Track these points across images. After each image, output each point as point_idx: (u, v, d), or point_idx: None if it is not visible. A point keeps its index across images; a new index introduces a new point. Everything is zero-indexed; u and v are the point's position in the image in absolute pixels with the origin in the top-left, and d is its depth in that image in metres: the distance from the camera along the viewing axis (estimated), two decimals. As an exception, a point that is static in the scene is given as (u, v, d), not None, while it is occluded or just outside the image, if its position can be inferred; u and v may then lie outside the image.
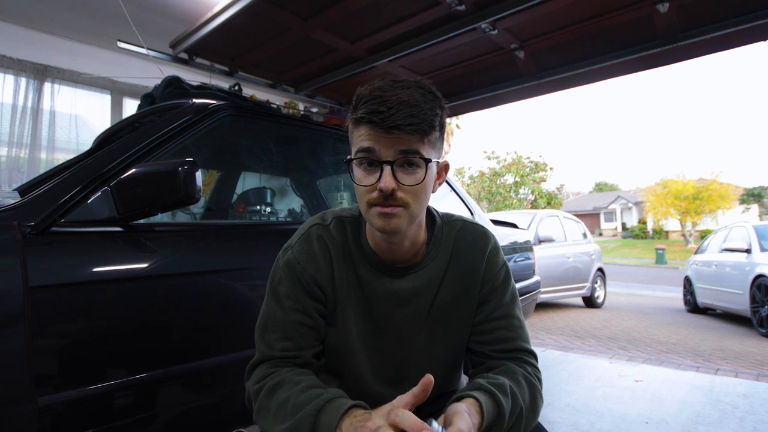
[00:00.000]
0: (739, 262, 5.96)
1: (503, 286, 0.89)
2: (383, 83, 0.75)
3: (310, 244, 0.85)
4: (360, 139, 0.75)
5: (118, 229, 1.13)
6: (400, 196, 0.74)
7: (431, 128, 0.74)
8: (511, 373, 0.80)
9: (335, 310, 0.85)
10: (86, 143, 3.23)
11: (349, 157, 0.78)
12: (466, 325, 0.88)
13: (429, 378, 0.66)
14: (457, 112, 3.49)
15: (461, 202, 2.65)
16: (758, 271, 5.35)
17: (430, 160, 0.75)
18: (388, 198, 0.73)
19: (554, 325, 5.67)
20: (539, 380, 0.83)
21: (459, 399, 0.71)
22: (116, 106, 3.55)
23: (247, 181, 2.28)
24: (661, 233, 33.05)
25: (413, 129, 0.71)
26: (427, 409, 0.90)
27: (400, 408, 0.64)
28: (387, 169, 0.72)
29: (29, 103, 3.11)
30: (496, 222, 3.13)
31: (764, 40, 2.23)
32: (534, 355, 0.87)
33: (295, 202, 2.36)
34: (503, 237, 2.90)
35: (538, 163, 21.52)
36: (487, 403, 0.70)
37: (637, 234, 33.86)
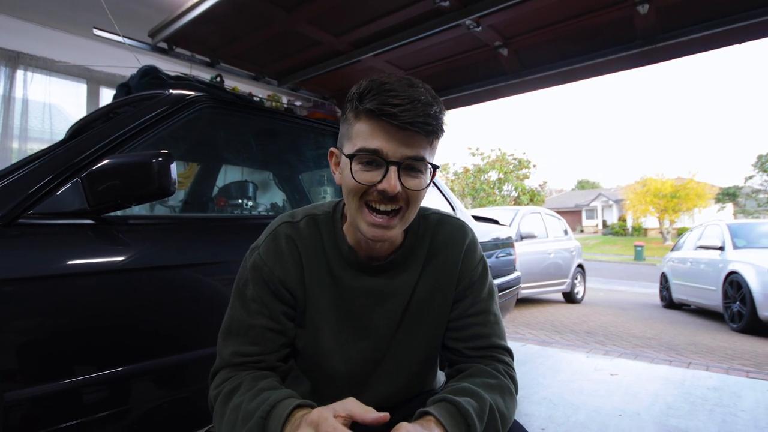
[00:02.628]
0: (712, 259, 6.13)
1: (480, 282, 0.87)
2: (389, 77, 0.71)
3: (277, 244, 0.81)
4: (364, 134, 0.70)
5: (89, 221, 1.10)
6: (399, 199, 0.71)
7: (441, 132, 0.73)
8: (481, 375, 0.79)
9: (305, 311, 0.82)
10: (60, 133, 3.13)
11: (348, 152, 0.72)
12: (442, 320, 0.87)
13: (385, 416, 0.61)
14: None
15: (443, 197, 2.67)
16: (730, 268, 5.51)
17: (437, 167, 0.73)
18: (387, 199, 0.70)
19: (534, 320, 5.75)
20: (512, 378, 0.82)
21: (417, 418, 0.68)
22: (92, 96, 3.46)
23: (229, 175, 2.25)
24: (640, 230, 33.80)
25: (430, 129, 0.69)
26: (400, 411, 0.90)
27: (331, 418, 0.60)
28: (393, 170, 0.69)
29: (0, 91, 3.00)
30: (478, 218, 3.15)
31: (740, 42, 2.29)
32: (509, 352, 0.86)
33: (278, 196, 2.34)
34: (485, 233, 2.92)
35: (521, 160, 21.76)
36: (448, 417, 0.66)
37: (617, 231, 34.56)
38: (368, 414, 0.61)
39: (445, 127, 0.74)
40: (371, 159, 0.70)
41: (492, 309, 0.87)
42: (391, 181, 0.69)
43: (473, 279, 0.87)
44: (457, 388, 0.73)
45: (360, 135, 0.71)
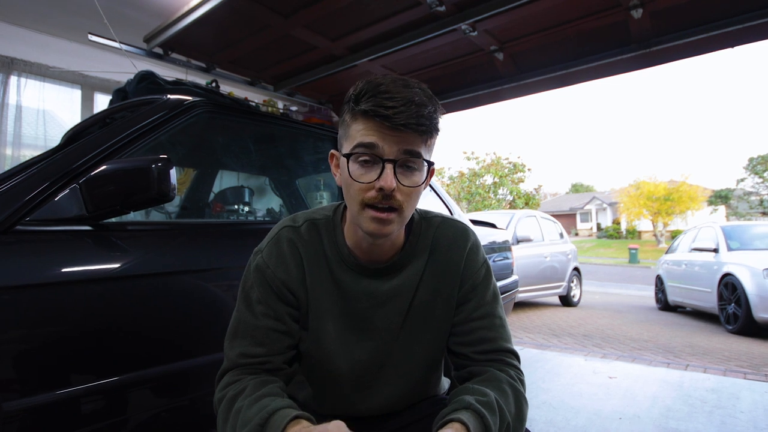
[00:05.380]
0: (707, 261, 6.16)
1: (484, 285, 0.87)
2: (384, 79, 0.72)
3: (279, 247, 0.83)
4: (361, 133, 0.72)
5: (87, 228, 1.08)
6: (397, 197, 0.72)
7: (436, 131, 0.74)
8: (496, 382, 0.78)
9: (308, 313, 0.83)
10: (55, 140, 3.11)
11: (345, 152, 0.74)
12: (446, 325, 0.86)
13: None
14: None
15: (441, 202, 2.67)
16: (725, 269, 5.54)
17: (432, 164, 0.74)
18: (386, 198, 0.71)
19: (531, 323, 5.76)
20: (522, 383, 0.82)
21: (445, 423, 0.68)
22: (87, 102, 3.43)
23: (225, 180, 2.24)
24: (634, 233, 34.00)
25: (423, 129, 0.70)
26: (404, 416, 0.89)
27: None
28: (389, 167, 0.71)
29: (-6, 98, 2.98)
30: (475, 222, 3.16)
31: (733, 47, 2.32)
32: (516, 356, 0.86)
33: (274, 202, 2.33)
34: (482, 237, 2.92)
35: (516, 164, 21.88)
36: (476, 427, 0.67)
37: (611, 234, 34.74)
38: None
39: (440, 125, 0.75)
40: (368, 157, 0.71)
41: (497, 312, 0.87)
42: (388, 179, 0.70)
43: (476, 282, 0.87)
44: (483, 401, 0.72)
45: (356, 134, 0.72)
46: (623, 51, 2.43)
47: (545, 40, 2.46)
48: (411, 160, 0.72)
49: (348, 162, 0.73)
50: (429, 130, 0.72)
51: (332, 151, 0.83)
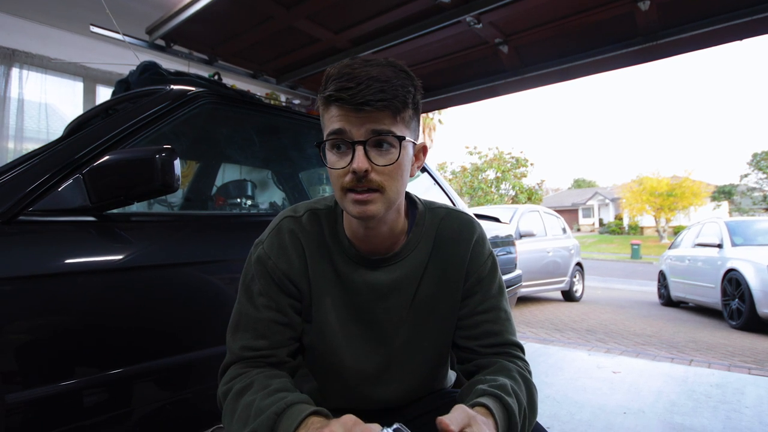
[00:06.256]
0: (711, 256, 6.14)
1: (490, 278, 0.85)
2: (353, 61, 0.71)
3: (281, 238, 0.81)
4: (330, 120, 0.71)
5: (91, 218, 1.07)
6: (374, 178, 0.70)
7: (404, 105, 0.71)
8: (506, 371, 0.77)
9: (311, 305, 0.82)
10: (56, 132, 3.10)
11: (318, 141, 0.74)
12: (451, 318, 0.85)
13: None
14: (440, 106, 3.49)
15: (445, 195, 2.65)
16: (729, 265, 5.52)
17: (403, 138, 0.71)
18: (361, 180, 0.69)
19: (534, 318, 5.75)
20: (530, 374, 0.81)
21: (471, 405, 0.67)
22: (89, 94, 3.42)
23: (228, 173, 2.23)
24: (636, 229, 33.94)
25: (384, 105, 0.68)
26: (410, 410, 0.88)
27: (365, 425, 0.60)
28: (359, 149, 0.69)
29: (-4, 90, 2.97)
30: (479, 216, 3.14)
31: (740, 39, 2.29)
32: (522, 349, 0.85)
33: (277, 195, 2.32)
34: (485, 231, 2.91)
35: (519, 158, 21.79)
36: (498, 410, 0.67)
37: (613, 230, 34.70)
38: None
39: (411, 99, 0.72)
40: (339, 142, 0.70)
41: (502, 305, 0.86)
42: (358, 160, 0.68)
43: (482, 275, 0.85)
44: (499, 385, 0.72)
45: (328, 122, 0.71)
46: (630, 44, 2.41)
47: (551, 32, 2.44)
48: (381, 138, 0.70)
49: (324, 150, 0.73)
50: (393, 105, 0.69)
51: (317, 142, 0.81)
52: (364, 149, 0.69)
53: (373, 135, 0.69)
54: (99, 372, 0.99)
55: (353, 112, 0.68)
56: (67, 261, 0.98)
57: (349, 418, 0.60)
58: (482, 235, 0.88)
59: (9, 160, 2.76)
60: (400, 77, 0.70)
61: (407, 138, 0.72)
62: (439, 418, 0.59)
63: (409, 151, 0.75)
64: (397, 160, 0.71)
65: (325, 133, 0.72)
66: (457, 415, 0.61)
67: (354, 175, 0.69)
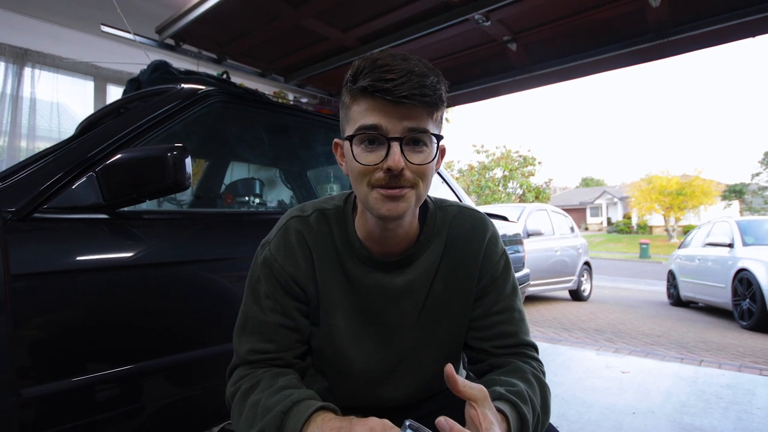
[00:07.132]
0: (721, 256, 6.07)
1: (503, 277, 0.83)
2: (381, 54, 0.68)
3: (287, 239, 0.79)
4: (362, 114, 0.67)
5: (104, 216, 1.09)
6: (407, 176, 0.67)
7: (441, 102, 0.69)
8: (521, 373, 0.76)
9: (319, 308, 0.80)
10: (68, 131, 3.13)
11: (347, 135, 0.70)
12: (463, 319, 0.83)
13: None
14: (448, 104, 3.48)
15: (453, 194, 2.65)
16: (740, 265, 5.46)
17: (441, 137, 0.69)
18: (395, 178, 0.67)
19: (542, 317, 5.73)
20: (544, 374, 0.79)
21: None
22: (99, 93, 3.45)
23: (236, 171, 2.24)
24: (645, 228, 33.62)
25: (428, 100, 0.66)
26: (420, 409, 0.87)
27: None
28: (395, 146, 0.66)
29: (8, 89, 3.00)
30: (488, 214, 3.13)
31: (753, 36, 2.25)
32: (536, 348, 0.83)
33: (285, 193, 2.33)
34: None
35: (526, 157, 21.68)
36: (513, 416, 0.65)
37: (621, 229, 34.39)
38: None
39: (444, 97, 0.70)
40: (372, 138, 0.67)
41: (516, 305, 0.84)
42: (395, 157, 0.65)
43: (496, 275, 0.83)
44: (514, 391, 0.70)
45: (357, 116, 0.68)
46: (640, 41, 2.38)
47: (559, 30, 2.42)
48: (418, 136, 0.67)
49: (351, 145, 0.69)
50: (434, 102, 0.67)
51: (336, 140, 0.78)
52: (401, 146, 0.67)
53: (409, 132, 0.67)
54: (112, 367, 1.01)
55: (391, 105, 0.65)
56: (81, 258, 1.00)
57: (377, 422, 0.60)
58: (495, 234, 0.86)
59: (22, 159, 2.79)
60: (435, 73, 0.69)
61: (441, 137, 0.70)
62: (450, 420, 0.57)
63: (437, 150, 0.72)
64: (432, 159, 0.69)
65: (353, 127, 0.68)
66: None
67: (388, 173, 0.66)
